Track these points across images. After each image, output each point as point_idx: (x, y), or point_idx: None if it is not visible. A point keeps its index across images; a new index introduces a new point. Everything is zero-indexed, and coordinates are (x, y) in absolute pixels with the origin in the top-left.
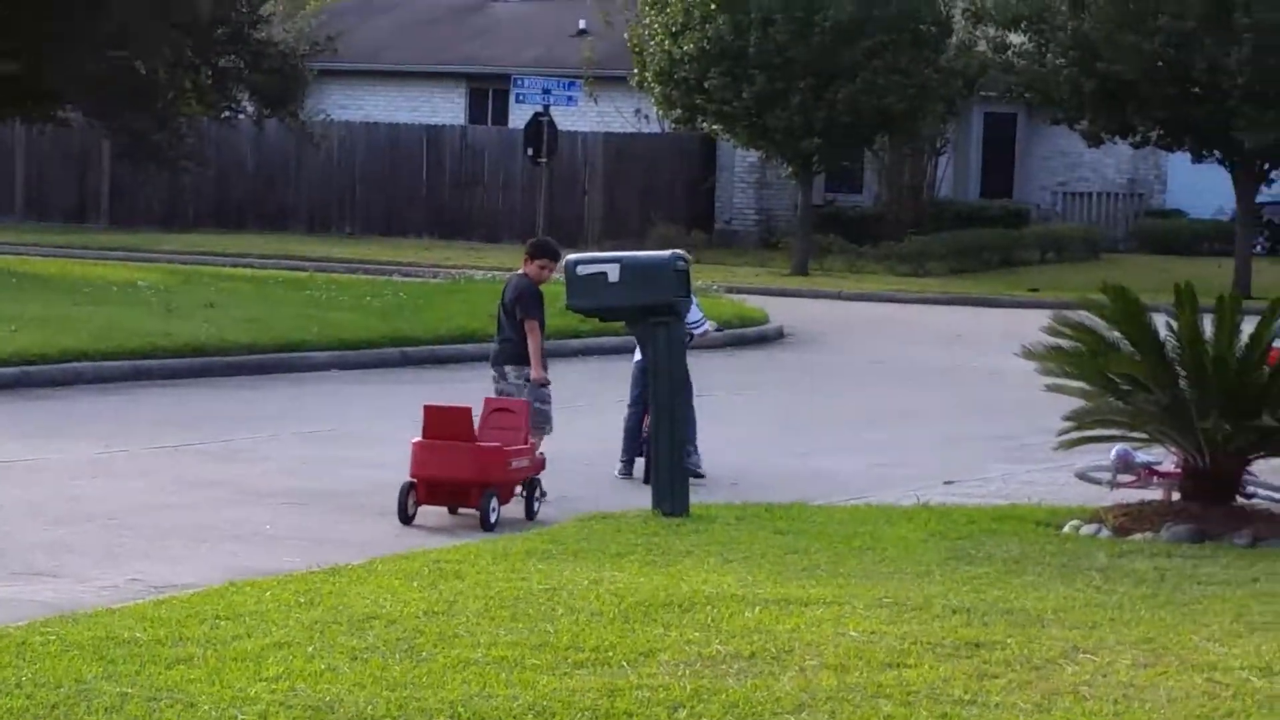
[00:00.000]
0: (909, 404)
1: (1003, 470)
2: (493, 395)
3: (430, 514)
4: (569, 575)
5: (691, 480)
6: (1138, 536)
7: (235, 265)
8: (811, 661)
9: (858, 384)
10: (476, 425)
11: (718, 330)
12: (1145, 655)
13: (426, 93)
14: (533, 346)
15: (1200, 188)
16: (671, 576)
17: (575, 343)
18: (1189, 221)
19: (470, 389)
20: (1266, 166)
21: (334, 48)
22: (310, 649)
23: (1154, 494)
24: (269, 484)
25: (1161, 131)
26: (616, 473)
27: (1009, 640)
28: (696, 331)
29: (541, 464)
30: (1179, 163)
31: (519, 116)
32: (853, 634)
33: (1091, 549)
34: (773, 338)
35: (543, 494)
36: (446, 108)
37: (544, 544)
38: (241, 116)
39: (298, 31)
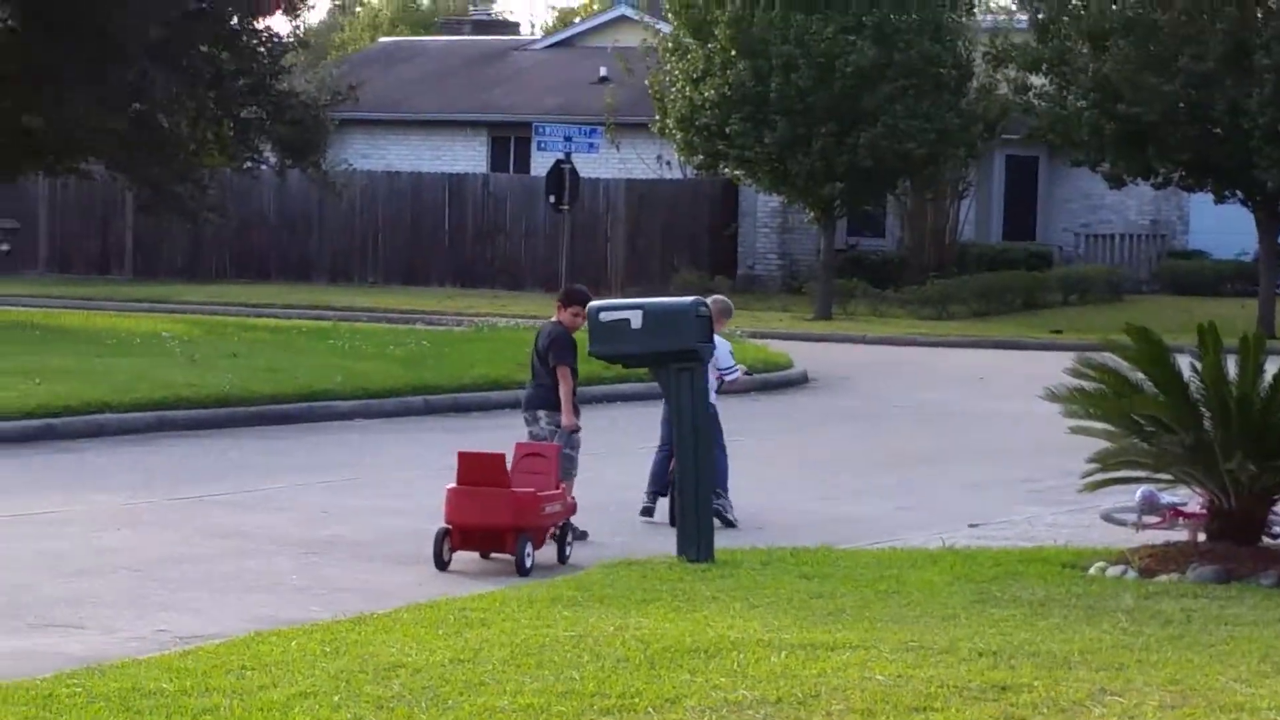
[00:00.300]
0: (933, 447)
1: (1028, 513)
2: (523, 440)
3: (460, 559)
4: (594, 622)
5: (719, 525)
6: (1164, 578)
7: (258, 315)
8: (838, 706)
9: (882, 427)
10: (511, 467)
11: (748, 375)
12: (1173, 697)
13: (448, 141)
14: (564, 392)
15: (1223, 228)
16: (697, 622)
17: (598, 389)
18: (1212, 262)
19: (494, 437)
20: None
21: (355, 97)
22: (336, 698)
23: (1180, 535)
24: (293, 533)
25: (1183, 173)
26: (640, 512)
27: (1036, 683)
28: (728, 378)
29: (573, 508)
30: (1201, 204)
31: (541, 164)
32: (879, 678)
33: (1118, 590)
34: (797, 382)
35: (576, 537)
36: (468, 156)
37: (570, 591)
38: (264, 167)
39: (319, 81)
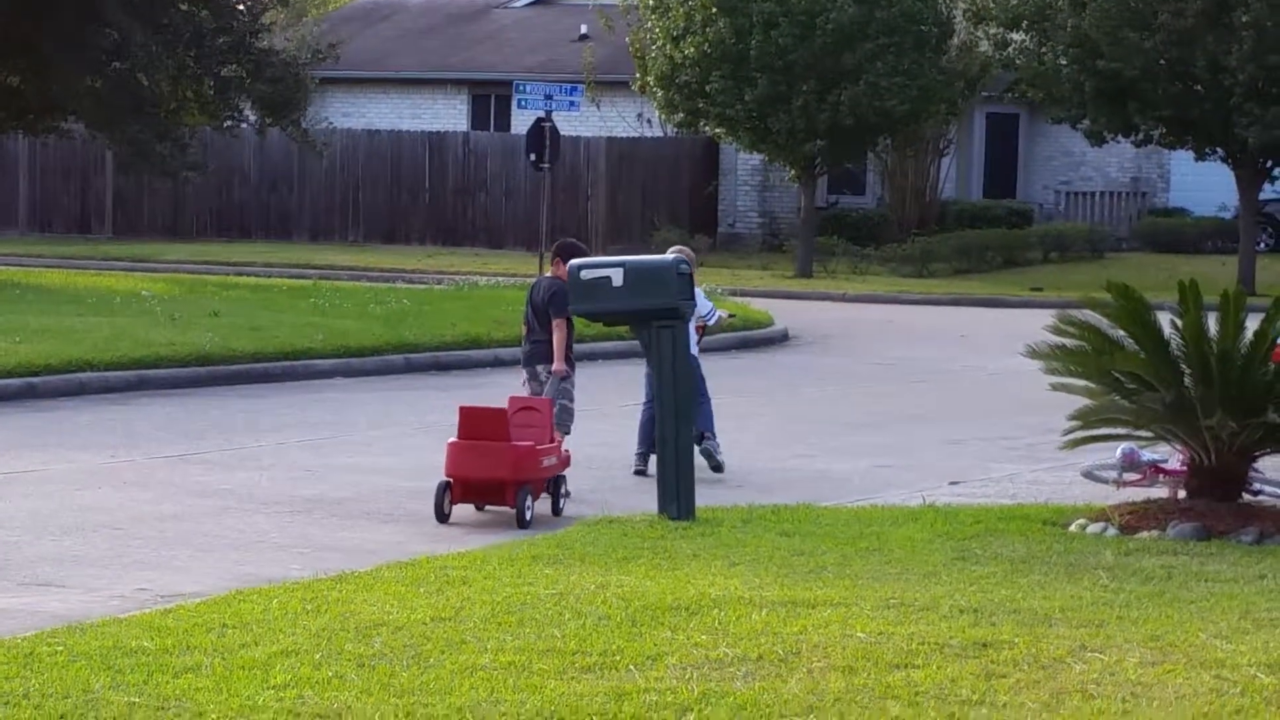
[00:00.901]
0: (914, 405)
1: (1008, 470)
2: (517, 395)
3: (459, 512)
4: (575, 580)
5: (707, 475)
6: (1144, 535)
7: (239, 274)
8: (819, 663)
9: (862, 385)
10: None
11: (730, 316)
12: (1153, 653)
13: (429, 100)
14: (557, 340)
15: (1203, 185)
16: (678, 580)
17: (580, 347)
18: (1192, 219)
19: (475, 395)
20: (1269, 163)
21: (335, 56)
22: (317, 657)
23: (1160, 492)
24: (274, 492)
25: (1164, 130)
26: (633, 469)
27: (1016, 640)
28: (710, 321)
29: (567, 461)
30: (1182, 161)
31: (521, 122)
32: (860, 635)
33: (1098, 548)
34: (778, 340)
35: (566, 493)
36: (449, 114)
37: (550, 549)
38: (244, 126)
39: (299, 40)
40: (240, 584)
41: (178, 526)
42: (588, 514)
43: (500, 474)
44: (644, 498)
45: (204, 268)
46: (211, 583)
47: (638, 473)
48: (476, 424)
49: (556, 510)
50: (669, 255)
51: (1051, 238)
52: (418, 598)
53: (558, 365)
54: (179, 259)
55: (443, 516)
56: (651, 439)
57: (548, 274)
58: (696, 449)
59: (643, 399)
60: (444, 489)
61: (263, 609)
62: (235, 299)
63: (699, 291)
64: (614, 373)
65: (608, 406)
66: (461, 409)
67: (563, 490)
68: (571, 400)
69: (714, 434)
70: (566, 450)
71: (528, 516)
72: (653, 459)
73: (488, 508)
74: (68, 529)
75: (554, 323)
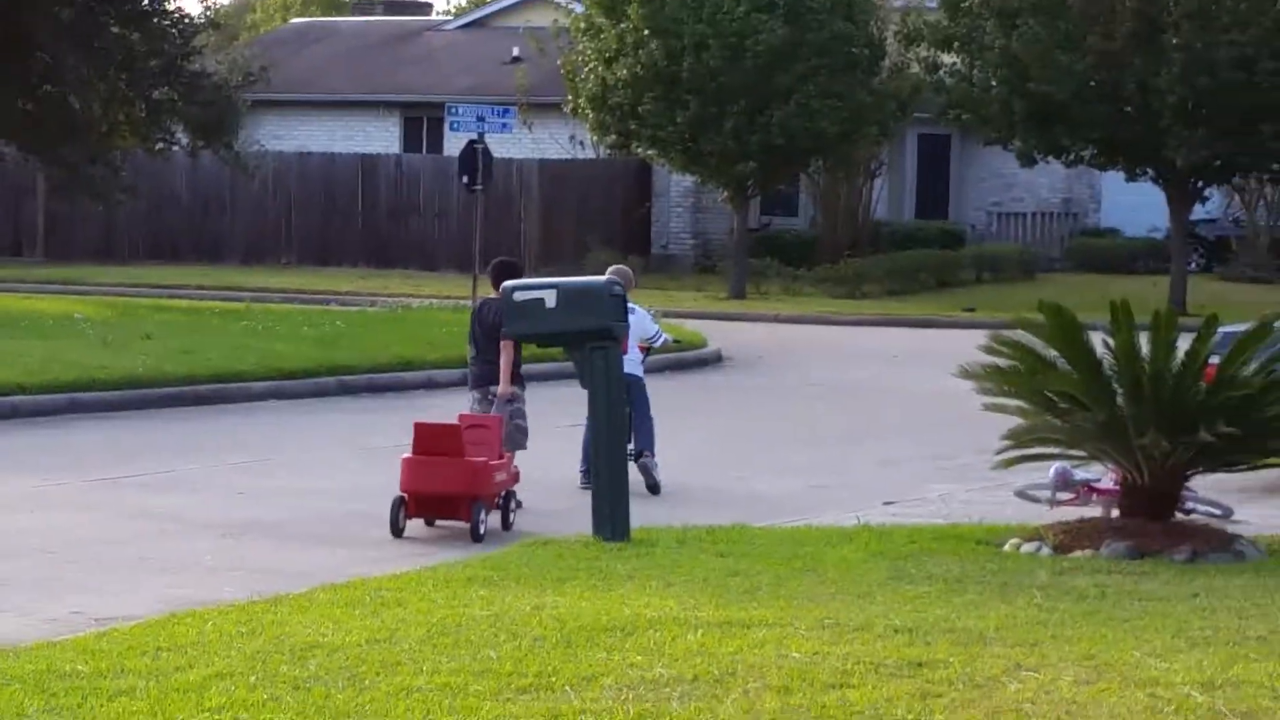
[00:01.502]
0: (847, 425)
1: (942, 490)
2: (466, 413)
3: (413, 528)
4: (511, 601)
5: (643, 493)
6: (1078, 554)
7: (172, 297)
8: (755, 684)
9: (796, 406)
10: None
11: (674, 341)
12: (1087, 672)
13: (361, 122)
14: (504, 361)
15: (1134, 205)
16: (614, 601)
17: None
18: (1124, 240)
19: (409, 417)
20: (1199, 184)
21: (267, 78)
22: (252, 679)
23: (1093, 511)
24: (208, 515)
25: (1094, 150)
26: (579, 485)
27: (951, 659)
28: (656, 343)
29: (516, 477)
30: (1113, 181)
31: (454, 144)
32: (795, 655)
33: (1032, 567)
34: (711, 361)
35: (518, 504)
36: (381, 136)
37: (485, 570)
38: (176, 148)
39: (231, 63)
40: (175, 607)
41: (112, 550)
42: (533, 530)
43: (457, 488)
44: (584, 517)
45: (137, 290)
46: (146, 606)
47: (584, 487)
48: (432, 439)
49: (506, 525)
50: (605, 276)
51: (984, 258)
52: (353, 620)
53: (503, 388)
54: (112, 282)
55: (398, 531)
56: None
57: (492, 295)
58: (633, 465)
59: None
60: (399, 504)
61: (197, 632)
62: (168, 322)
63: (645, 312)
64: (550, 394)
65: (543, 426)
66: (416, 424)
67: (512, 505)
68: (524, 419)
69: (653, 453)
70: (516, 467)
71: (482, 530)
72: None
73: (440, 523)
74: (0, 552)
75: (503, 343)
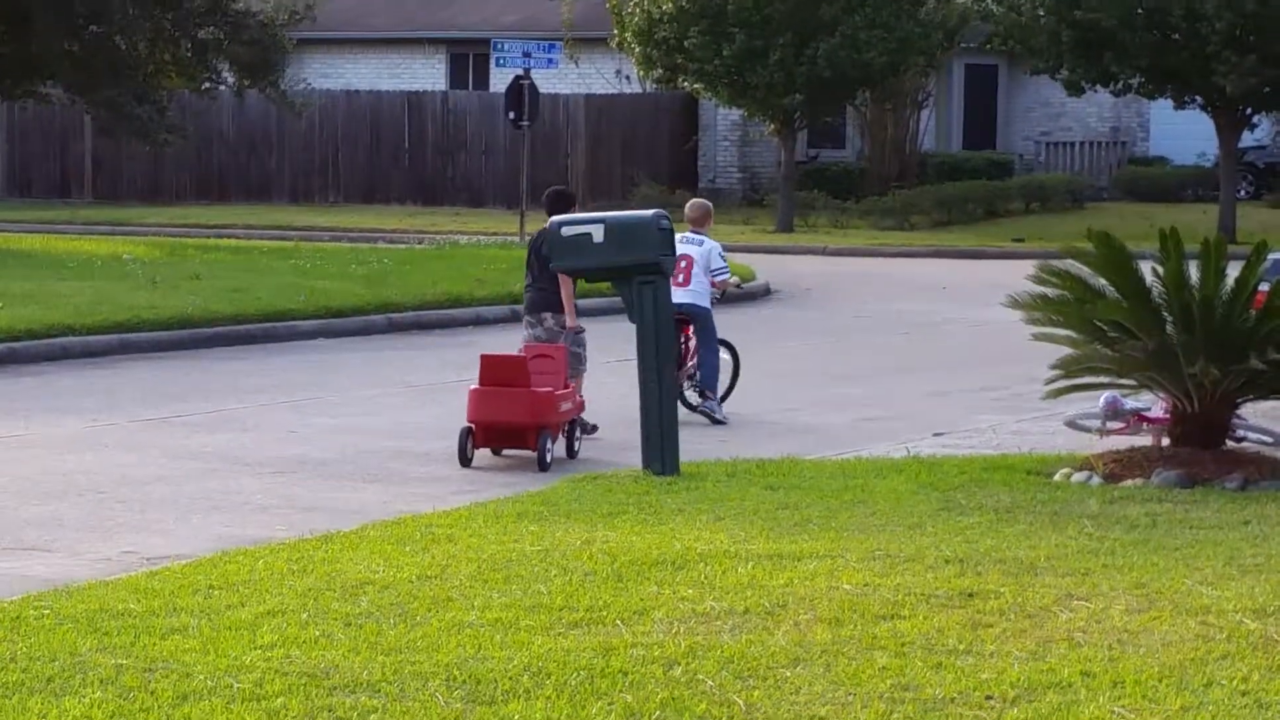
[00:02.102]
0: (896, 357)
1: (992, 420)
2: (526, 342)
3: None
4: (561, 536)
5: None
6: (1128, 483)
7: (219, 236)
8: (806, 615)
9: (845, 339)
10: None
11: (738, 286)
12: (1139, 600)
13: (406, 59)
14: (565, 294)
15: (1182, 134)
16: (664, 535)
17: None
18: (1172, 168)
19: (458, 355)
20: (1249, 111)
21: (312, 16)
22: (304, 616)
23: (1144, 440)
24: (258, 453)
25: (1142, 79)
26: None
27: (1002, 589)
28: (718, 278)
29: (582, 405)
30: (1161, 110)
31: (500, 81)
32: (846, 587)
33: (1083, 496)
34: (759, 294)
35: (585, 431)
36: (427, 74)
37: (536, 506)
38: (222, 88)
39: (276, 1)
40: (225, 545)
41: (162, 489)
42: (597, 459)
43: (522, 418)
44: (632, 455)
45: (184, 231)
46: (197, 545)
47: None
48: (497, 371)
49: (571, 453)
50: (688, 206)
51: (1032, 188)
52: (403, 556)
53: (570, 321)
54: (159, 222)
55: (466, 461)
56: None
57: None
58: (694, 409)
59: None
60: (466, 434)
61: (249, 570)
62: (216, 262)
63: (715, 245)
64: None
65: (590, 364)
66: (483, 357)
67: (577, 433)
68: (584, 347)
69: (715, 392)
70: (581, 396)
71: (548, 459)
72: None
73: (506, 452)
74: (51, 493)
75: (561, 275)
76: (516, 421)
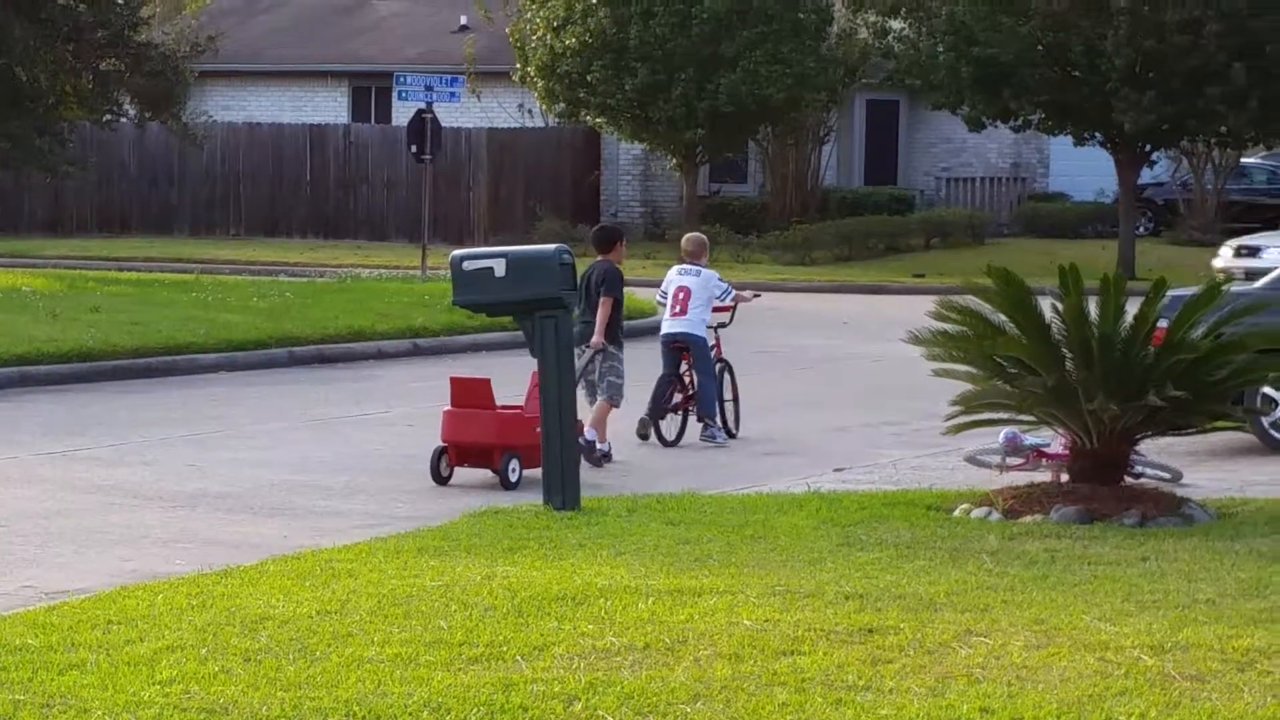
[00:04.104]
0: (798, 392)
1: (893, 456)
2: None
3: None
4: (461, 571)
5: (595, 469)
6: (1028, 519)
7: (120, 269)
8: (706, 651)
9: (746, 373)
10: (525, 394)
11: (756, 295)
12: (1038, 636)
13: (309, 92)
14: (600, 316)
15: (1082, 170)
16: (564, 570)
17: (465, 339)
18: (1072, 204)
19: (359, 387)
20: (1147, 148)
21: (215, 48)
22: (203, 651)
23: (1043, 476)
24: (158, 487)
25: (1042, 115)
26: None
27: (902, 625)
28: (726, 300)
29: (578, 430)
30: (1061, 146)
31: (402, 114)
32: (746, 623)
33: (982, 532)
34: (659, 329)
35: (603, 458)
36: (329, 106)
37: (436, 541)
38: (123, 120)
39: (178, 33)
40: (125, 580)
41: (61, 523)
42: (638, 476)
43: (486, 438)
44: (532, 491)
45: (85, 263)
46: (96, 579)
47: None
48: (465, 393)
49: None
50: (684, 240)
51: (933, 224)
52: (303, 591)
53: (596, 339)
54: (59, 254)
55: (440, 479)
56: (659, 408)
57: (599, 258)
58: (667, 445)
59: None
60: (440, 453)
61: (148, 605)
62: (117, 294)
63: (712, 273)
64: (495, 364)
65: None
66: (452, 379)
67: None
68: (620, 377)
69: (713, 418)
70: (579, 421)
71: (513, 479)
72: (663, 426)
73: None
74: None
75: (601, 300)
76: (481, 441)
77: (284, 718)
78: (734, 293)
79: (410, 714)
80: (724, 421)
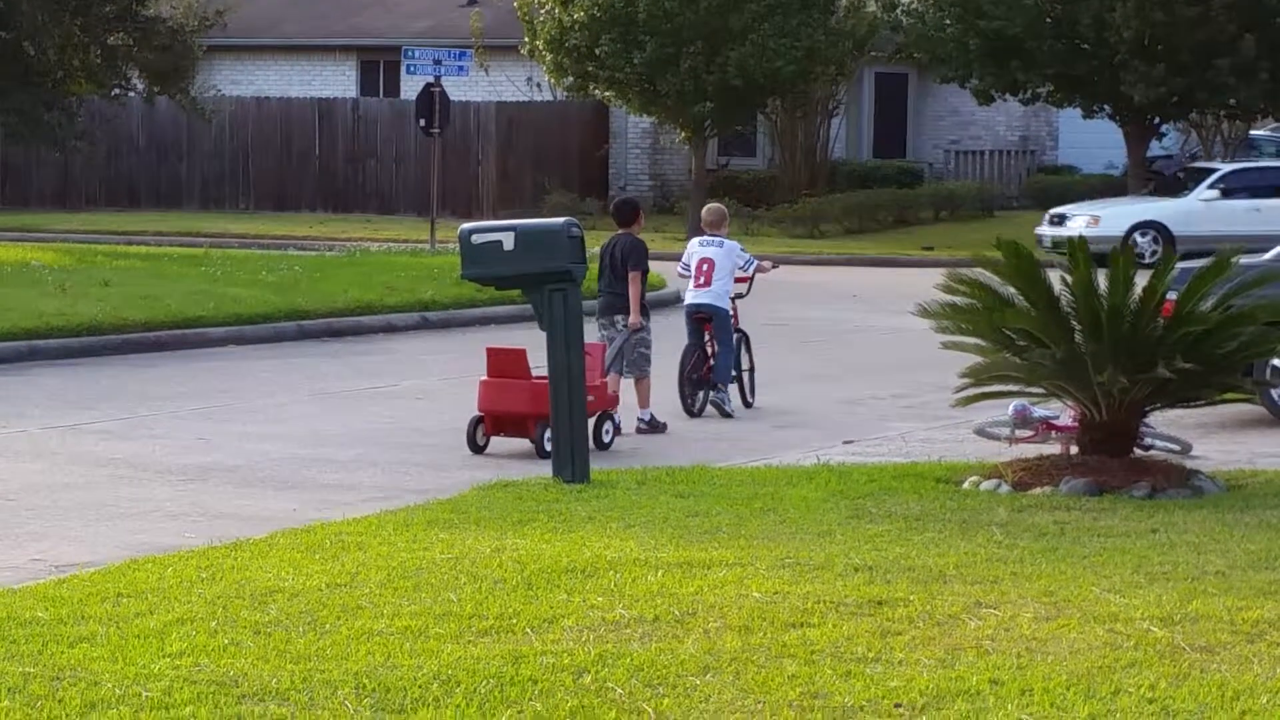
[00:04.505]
0: (807, 365)
1: (902, 428)
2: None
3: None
4: (471, 544)
5: (644, 435)
6: (1037, 491)
7: (130, 243)
8: (715, 623)
9: (756, 346)
10: None
11: (775, 265)
12: (1047, 608)
13: (317, 66)
14: (634, 294)
15: (1091, 143)
16: (574, 543)
17: (474, 311)
18: (1081, 177)
19: (368, 361)
20: (1156, 121)
21: (223, 22)
22: (213, 624)
23: (1052, 448)
24: (168, 461)
25: (1051, 88)
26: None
27: (911, 597)
28: (749, 270)
29: (613, 400)
30: (1070, 119)
31: (411, 88)
32: (756, 595)
33: (991, 504)
34: (670, 302)
35: (614, 428)
36: (338, 81)
37: (446, 514)
38: (132, 94)
39: (186, 7)
40: (135, 553)
41: (71, 496)
42: (648, 449)
43: (519, 408)
44: (542, 463)
45: (94, 237)
46: (106, 552)
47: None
48: (501, 363)
49: (599, 444)
50: (704, 211)
51: (942, 197)
52: (313, 564)
53: (633, 319)
54: (68, 229)
55: (476, 448)
56: (693, 385)
57: (620, 232)
58: (708, 398)
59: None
60: (476, 422)
61: (158, 577)
62: (126, 268)
63: (734, 244)
64: (504, 337)
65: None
66: (489, 349)
67: (605, 426)
68: (649, 347)
69: (725, 386)
70: (614, 392)
71: (548, 447)
72: (699, 399)
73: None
74: None
75: (630, 276)
76: (516, 411)
77: (294, 690)
78: (756, 263)
79: (420, 686)
80: (741, 391)
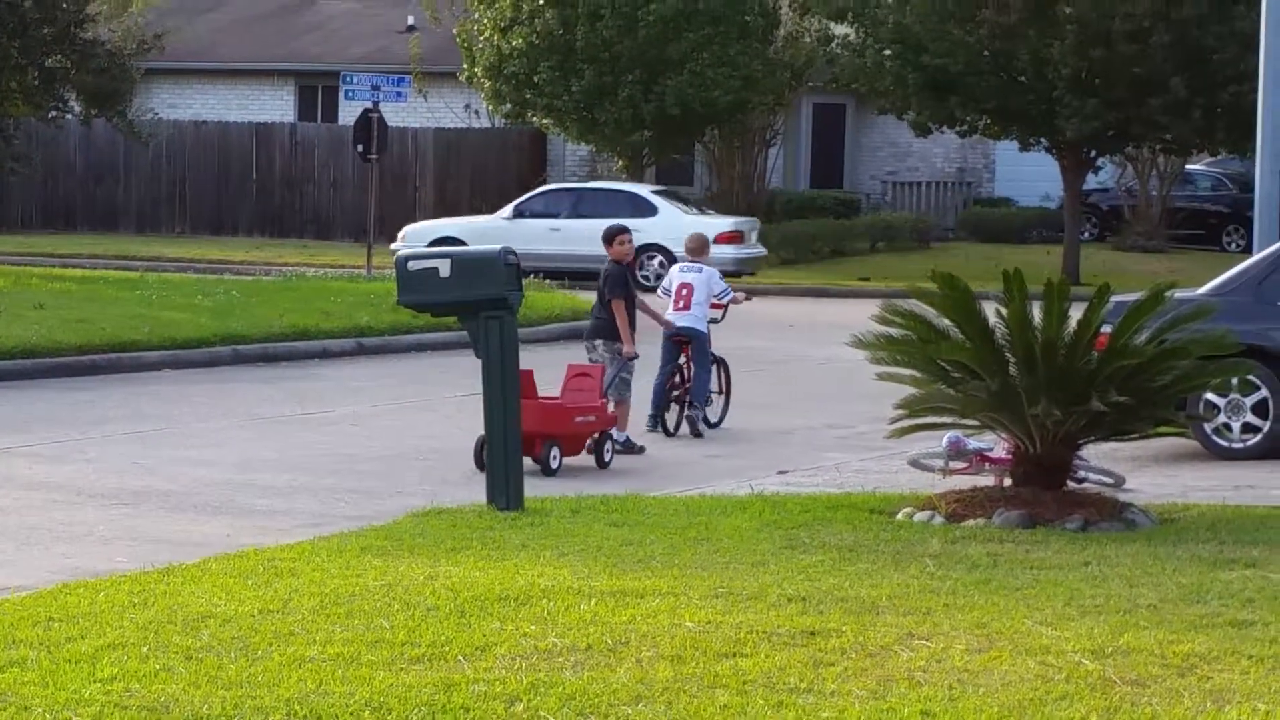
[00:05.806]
0: (741, 394)
1: (836, 459)
2: (574, 364)
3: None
4: (404, 571)
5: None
6: (970, 523)
7: (65, 266)
8: (648, 653)
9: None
10: (560, 388)
11: (747, 298)
12: (979, 640)
13: (255, 90)
14: (620, 324)
15: (1027, 175)
16: (507, 570)
17: (409, 338)
18: (1017, 209)
19: (303, 386)
20: (1092, 154)
21: (161, 46)
22: (144, 649)
23: (986, 480)
24: (101, 485)
25: (988, 121)
26: (645, 426)
27: (844, 628)
28: (725, 299)
29: (612, 420)
30: (1006, 151)
31: (349, 113)
32: (689, 624)
33: (925, 536)
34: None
35: (633, 449)
36: (275, 105)
37: (379, 540)
38: (69, 116)
39: (124, 30)
40: (67, 577)
41: (2, 520)
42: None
43: (527, 427)
44: (475, 490)
45: (29, 260)
46: (37, 576)
47: (649, 429)
48: None
49: (600, 463)
50: (686, 239)
51: (879, 228)
52: (245, 590)
53: (627, 348)
54: (3, 251)
55: (483, 466)
56: (663, 400)
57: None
58: (684, 416)
59: (659, 364)
60: (482, 442)
61: (89, 602)
62: (61, 291)
63: (713, 271)
64: (441, 364)
65: (435, 399)
66: None
67: (607, 446)
68: (631, 374)
69: (703, 405)
70: (613, 413)
71: (553, 466)
72: (668, 419)
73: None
74: None
75: (612, 305)
76: (524, 430)
77: (225, 716)
78: (732, 293)
79: (351, 713)
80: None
